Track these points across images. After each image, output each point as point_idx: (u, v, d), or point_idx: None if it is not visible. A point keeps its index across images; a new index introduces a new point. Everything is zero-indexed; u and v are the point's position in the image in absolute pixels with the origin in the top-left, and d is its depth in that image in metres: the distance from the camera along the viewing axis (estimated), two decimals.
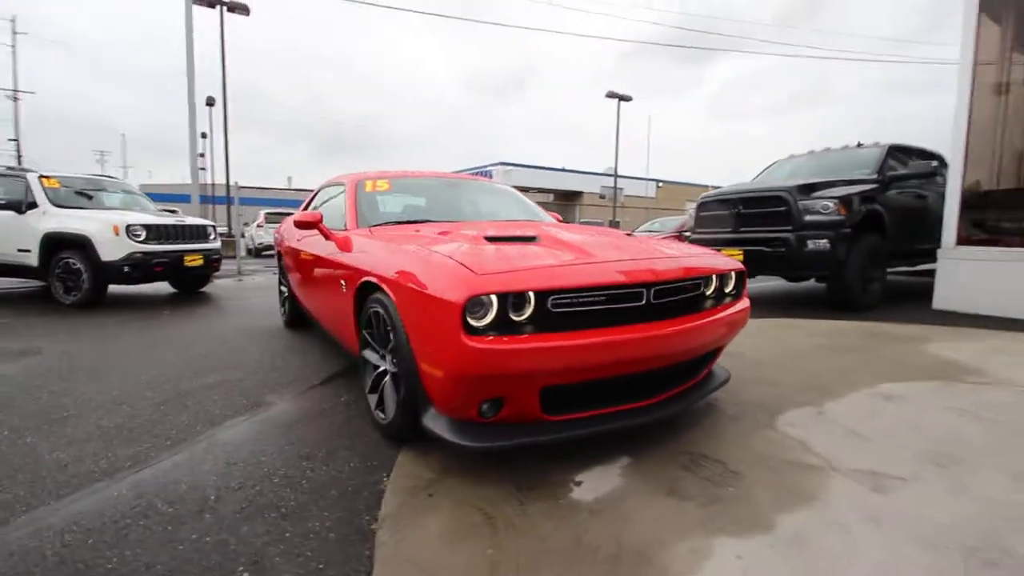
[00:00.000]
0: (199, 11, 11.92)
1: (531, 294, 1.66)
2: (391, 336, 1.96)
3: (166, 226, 5.56)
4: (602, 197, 25.77)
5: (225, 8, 13.44)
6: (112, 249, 5.09)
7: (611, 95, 21.71)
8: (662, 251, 2.16)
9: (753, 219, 5.14)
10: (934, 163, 5.51)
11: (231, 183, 9.69)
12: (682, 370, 2.10)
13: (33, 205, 5.37)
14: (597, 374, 1.77)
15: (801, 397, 2.57)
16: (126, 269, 5.15)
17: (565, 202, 30.97)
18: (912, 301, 5.58)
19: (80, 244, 5.09)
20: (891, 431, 2.17)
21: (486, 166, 30.28)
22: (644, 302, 1.87)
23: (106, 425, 2.25)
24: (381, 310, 2.03)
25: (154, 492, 1.70)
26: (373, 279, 2.07)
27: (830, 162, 6.08)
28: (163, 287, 6.82)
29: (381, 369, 2.19)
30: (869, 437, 2.11)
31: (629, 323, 1.81)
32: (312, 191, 4.10)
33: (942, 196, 5.80)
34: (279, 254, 4.46)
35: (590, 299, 1.76)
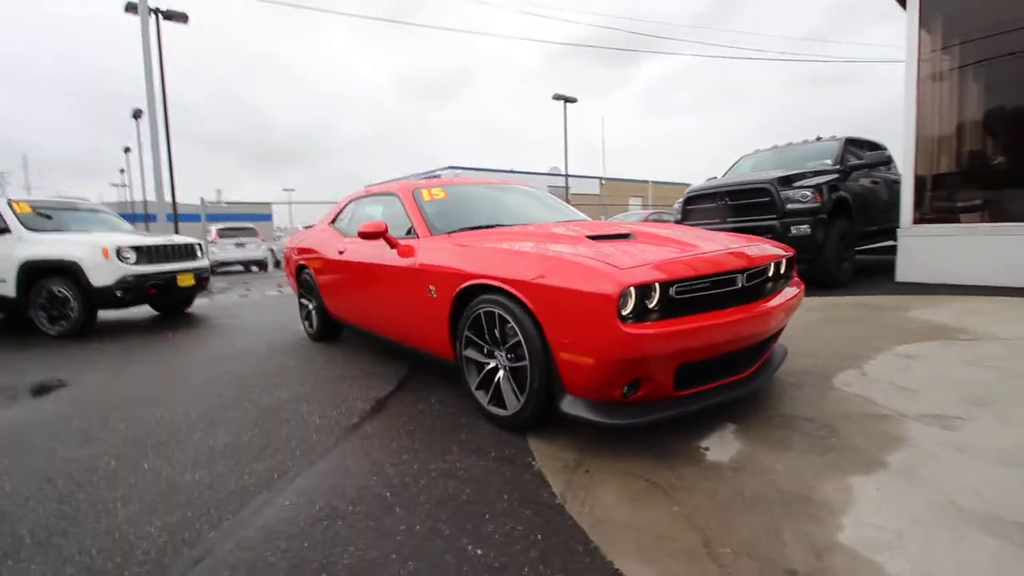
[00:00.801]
0: (119, 15, 11.22)
1: (658, 285, 1.87)
2: (515, 333, 2.10)
3: (156, 247, 5.30)
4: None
5: (161, 16, 12.69)
6: (103, 273, 4.81)
7: (557, 97, 22.28)
8: (739, 240, 2.44)
9: (740, 210, 5.60)
10: (882, 153, 6.21)
11: (202, 199, 9.20)
12: (762, 346, 2.38)
13: (4, 231, 4.97)
14: (718, 351, 2.01)
15: (839, 363, 2.93)
16: (119, 293, 4.89)
17: None
18: (876, 276, 6.26)
19: (66, 270, 4.78)
20: (926, 383, 2.55)
21: (435, 170, 30.14)
22: (740, 286, 2.13)
23: (216, 444, 2.24)
24: (499, 310, 2.16)
25: (326, 496, 1.76)
26: (487, 281, 2.20)
27: (794, 155, 6.69)
28: (139, 311, 6.44)
29: (491, 366, 2.33)
30: (914, 389, 2.48)
31: (732, 305, 2.06)
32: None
33: (890, 182, 6.56)
34: (299, 268, 4.42)
35: (702, 286, 1.99)
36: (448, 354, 2.62)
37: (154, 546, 1.52)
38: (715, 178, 7.23)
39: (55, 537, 1.59)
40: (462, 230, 2.87)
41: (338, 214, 4.05)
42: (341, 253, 3.58)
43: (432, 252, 2.65)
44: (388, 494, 1.76)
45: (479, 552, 1.43)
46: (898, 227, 6.67)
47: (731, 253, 2.17)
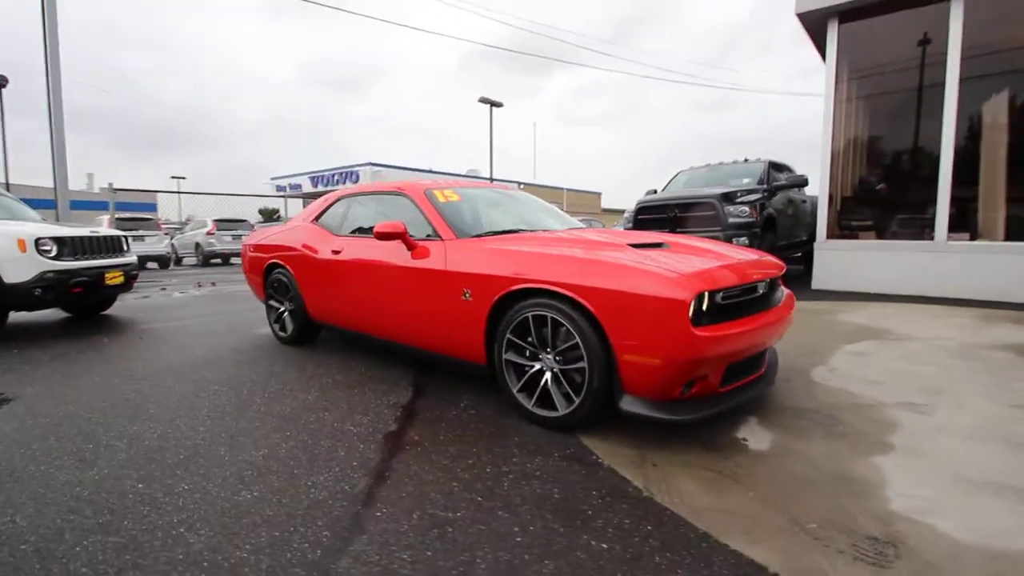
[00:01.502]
0: None
1: (718, 291, 2.07)
2: (570, 336, 2.20)
3: (80, 239, 4.65)
4: None
5: None
6: (19, 269, 4.14)
7: (484, 101, 22.43)
8: (748, 252, 2.73)
9: (687, 221, 6.11)
10: (801, 176, 7.08)
11: (110, 185, 8.05)
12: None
13: None
14: (753, 351, 2.26)
15: (808, 360, 3.36)
16: (37, 292, 4.23)
17: None
18: (792, 284, 7.11)
19: None
20: (884, 376, 3.02)
21: (352, 166, 28.92)
22: (760, 293, 2.40)
23: (254, 459, 2.09)
24: (551, 313, 2.25)
25: (418, 506, 1.74)
26: (541, 286, 2.26)
27: (724, 173, 7.41)
28: (37, 314, 5.57)
29: (536, 369, 2.40)
30: (879, 382, 2.93)
31: (757, 311, 2.32)
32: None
33: (799, 201, 7.49)
34: (268, 268, 4.13)
35: (739, 292, 2.23)
36: (477, 358, 2.64)
37: (258, 571, 1.42)
38: (655, 191, 7.80)
39: (127, 573, 1.42)
40: (489, 234, 2.90)
41: (323, 211, 3.85)
42: (336, 253, 3.42)
43: (464, 255, 2.66)
44: (479, 498, 1.78)
45: (604, 546, 1.52)
46: (803, 241, 7.61)
47: (754, 264, 2.44)
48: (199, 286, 8.81)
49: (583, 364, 2.19)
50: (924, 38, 5.85)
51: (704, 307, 2.03)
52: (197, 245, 14.70)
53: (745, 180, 7.02)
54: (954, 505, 1.69)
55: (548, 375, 2.36)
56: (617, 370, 2.11)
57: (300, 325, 3.90)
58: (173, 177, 41.73)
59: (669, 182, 7.92)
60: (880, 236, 6.40)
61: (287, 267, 3.89)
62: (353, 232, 3.52)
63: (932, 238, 5.74)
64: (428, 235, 2.98)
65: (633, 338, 2.04)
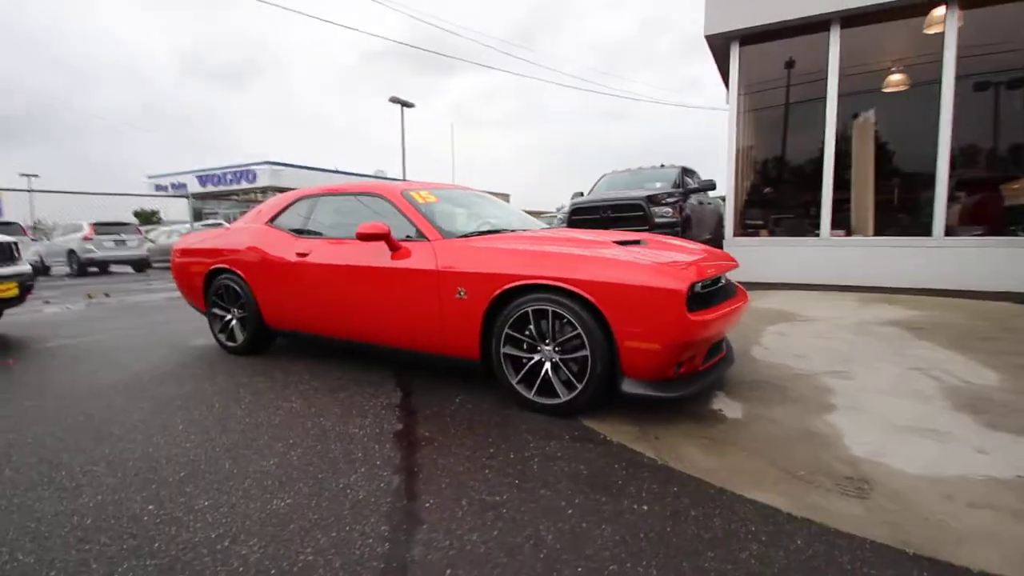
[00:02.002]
0: None
1: (697, 282, 2.36)
2: (572, 327, 2.37)
3: None
4: None
5: None
6: None
7: (395, 100, 21.94)
8: (710, 249, 3.08)
9: (619, 221, 6.56)
10: (710, 180, 7.88)
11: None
12: None
13: None
14: (722, 335, 2.58)
15: (744, 341, 3.83)
16: None
17: None
18: None
19: None
20: (807, 351, 3.55)
21: (249, 165, 26.90)
22: (722, 284, 2.75)
23: (266, 468, 2.01)
24: (552, 307, 2.40)
25: (464, 495, 1.81)
26: (542, 281, 2.41)
27: (643, 177, 8.03)
28: None
29: (536, 360, 2.54)
30: (805, 355, 3.44)
31: (723, 300, 2.66)
32: None
33: (708, 204, 8.32)
34: (211, 274, 3.84)
35: (711, 283, 2.55)
36: (471, 354, 2.73)
37: (333, 570, 1.43)
38: (582, 193, 8.24)
39: None
40: (474, 234, 2.98)
41: (280, 212, 3.67)
42: (303, 255, 3.30)
43: (456, 255, 2.73)
44: (517, 481, 1.89)
45: (645, 508, 1.70)
46: (707, 240, 8.45)
47: (719, 257, 2.78)
48: (89, 297, 7.80)
49: (585, 353, 2.37)
50: (790, 62, 6.81)
51: (692, 296, 2.31)
52: (71, 252, 12.86)
53: (658, 184, 7.68)
54: (897, 447, 2.10)
55: (548, 365, 2.52)
56: (618, 356, 2.32)
57: (253, 333, 3.68)
58: (23, 175, 35.92)
59: (595, 184, 8.41)
60: (775, 234, 7.34)
61: (237, 272, 3.66)
62: (321, 234, 3.41)
63: (819, 235, 6.70)
64: (408, 236, 3.00)
65: (635, 326, 2.26)
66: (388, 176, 36.40)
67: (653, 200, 6.58)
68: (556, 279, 2.40)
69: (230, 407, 2.72)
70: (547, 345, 2.51)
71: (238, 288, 3.68)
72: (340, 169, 31.36)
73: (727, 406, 2.59)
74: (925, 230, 6.14)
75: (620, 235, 3.12)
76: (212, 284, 3.88)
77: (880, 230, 6.54)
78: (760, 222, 7.58)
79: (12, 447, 2.26)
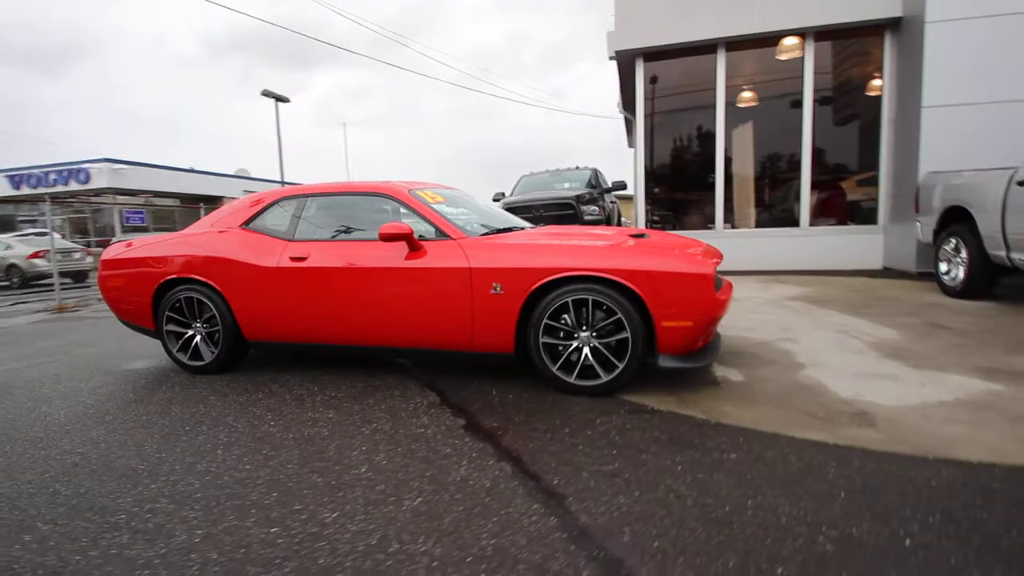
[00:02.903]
0: None
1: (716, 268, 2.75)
2: (611, 313, 2.62)
3: None
4: None
5: None
6: None
7: (268, 95, 20.14)
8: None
9: (551, 220, 6.95)
10: (622, 181, 8.64)
11: None
12: None
13: None
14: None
15: None
16: None
17: (200, 206, 26.55)
18: None
19: None
20: (752, 325, 4.20)
21: (80, 163, 22.72)
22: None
23: (361, 476, 1.96)
24: (592, 296, 2.63)
25: (582, 464, 1.96)
26: (583, 273, 2.62)
27: (561, 177, 8.56)
28: None
29: (574, 347, 2.74)
30: (756, 328, 4.08)
31: (722, 285, 3.10)
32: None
33: (612, 202, 9.11)
34: (163, 287, 3.41)
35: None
36: (505, 347, 2.85)
37: (530, 563, 1.51)
38: (503, 194, 8.53)
39: None
40: (494, 232, 3.08)
41: (256, 215, 3.37)
42: (299, 260, 3.10)
43: (488, 252, 2.82)
44: (614, 452, 2.09)
45: (733, 455, 2.01)
46: None
47: (713, 249, 3.23)
48: None
49: (625, 335, 2.63)
50: (689, 76, 7.84)
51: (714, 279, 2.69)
52: None
53: (569, 184, 8.26)
54: (868, 389, 2.68)
55: (587, 350, 2.73)
56: (655, 335, 2.62)
57: (230, 349, 3.35)
58: None
59: (516, 185, 8.74)
60: (676, 228, 8.31)
61: (208, 282, 3.29)
62: (316, 237, 3.22)
63: (713, 228, 7.75)
64: (421, 235, 3.00)
65: (671, 307, 2.57)
66: (254, 177, 33.32)
67: (580, 199, 7.08)
68: (598, 270, 2.62)
69: (258, 425, 2.51)
70: (584, 332, 2.72)
71: (206, 300, 3.32)
72: (195, 168, 27.89)
73: (727, 373, 3.03)
74: (794, 222, 7.45)
75: (628, 229, 3.43)
76: (164, 298, 3.43)
77: (760, 223, 7.77)
78: (665, 217, 8.51)
79: (7, 501, 1.89)
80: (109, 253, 3.66)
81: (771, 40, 7.21)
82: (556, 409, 2.58)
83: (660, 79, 7.90)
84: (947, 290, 4.97)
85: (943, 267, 5.04)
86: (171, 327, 3.47)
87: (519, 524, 1.61)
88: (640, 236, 3.11)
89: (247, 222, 3.39)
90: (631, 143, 15.74)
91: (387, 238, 2.83)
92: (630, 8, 7.35)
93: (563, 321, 2.73)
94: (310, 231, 3.27)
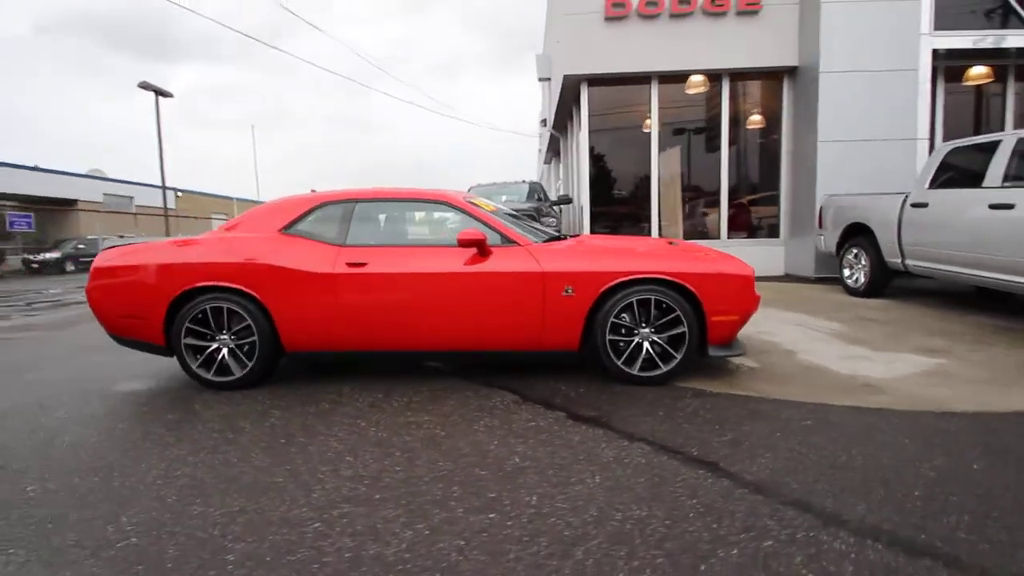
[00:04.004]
0: None
1: None
2: (669, 310, 2.99)
3: None
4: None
5: None
6: None
7: (146, 87, 17.85)
8: None
9: None
10: (567, 195, 9.19)
11: None
12: None
13: None
14: None
15: None
16: None
17: (54, 209, 22.68)
18: None
19: None
20: None
21: None
22: None
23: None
24: (656, 296, 2.98)
25: (702, 439, 2.27)
26: (650, 275, 2.96)
27: (508, 190, 8.90)
28: None
29: (636, 341, 3.06)
30: None
31: None
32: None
33: (554, 213, 9.67)
34: (181, 297, 3.12)
35: None
36: (571, 345, 3.09)
37: (749, 513, 1.78)
38: None
39: None
40: (550, 239, 3.30)
41: (297, 219, 3.22)
42: (357, 265, 3.05)
43: (559, 257, 3.05)
44: (716, 427, 2.43)
45: (808, 423, 2.46)
46: None
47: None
48: None
49: (683, 329, 3.01)
50: (625, 101, 8.70)
51: None
52: None
53: (505, 198, 8.67)
54: (858, 367, 3.34)
55: (647, 344, 3.07)
56: (706, 329, 3.03)
57: (265, 362, 3.16)
58: None
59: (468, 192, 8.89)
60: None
61: (243, 290, 3.08)
62: (371, 243, 3.19)
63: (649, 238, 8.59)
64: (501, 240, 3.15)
65: (721, 304, 3.01)
66: (110, 178, 29.25)
67: (539, 211, 7.47)
68: (662, 272, 2.98)
69: (364, 434, 2.47)
70: (645, 328, 3.06)
71: (239, 309, 3.11)
72: (41, 166, 23.69)
73: (743, 361, 3.55)
74: (716, 235, 8.54)
75: (661, 239, 3.83)
76: (183, 309, 3.14)
77: (687, 235, 8.78)
78: (606, 228, 9.20)
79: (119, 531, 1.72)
80: (104, 261, 3.23)
81: (697, 76, 8.25)
82: (632, 397, 2.87)
83: (602, 102, 8.62)
84: (850, 291, 6.12)
85: (847, 272, 6.20)
86: (188, 341, 3.17)
87: (702, 486, 1.88)
88: (671, 244, 3.54)
89: (287, 227, 3.23)
90: (548, 159, 16.64)
91: (465, 244, 2.94)
92: (578, 39, 7.96)
93: (623, 319, 3.05)
94: (362, 237, 3.22)
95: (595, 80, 8.31)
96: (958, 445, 2.16)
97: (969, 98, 8.32)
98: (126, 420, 2.75)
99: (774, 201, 8.52)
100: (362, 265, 3.08)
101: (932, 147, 7.38)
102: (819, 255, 7.26)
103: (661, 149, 8.49)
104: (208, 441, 2.42)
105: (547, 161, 16.79)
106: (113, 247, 3.35)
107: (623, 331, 3.07)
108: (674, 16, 7.77)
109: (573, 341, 3.08)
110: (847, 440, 2.24)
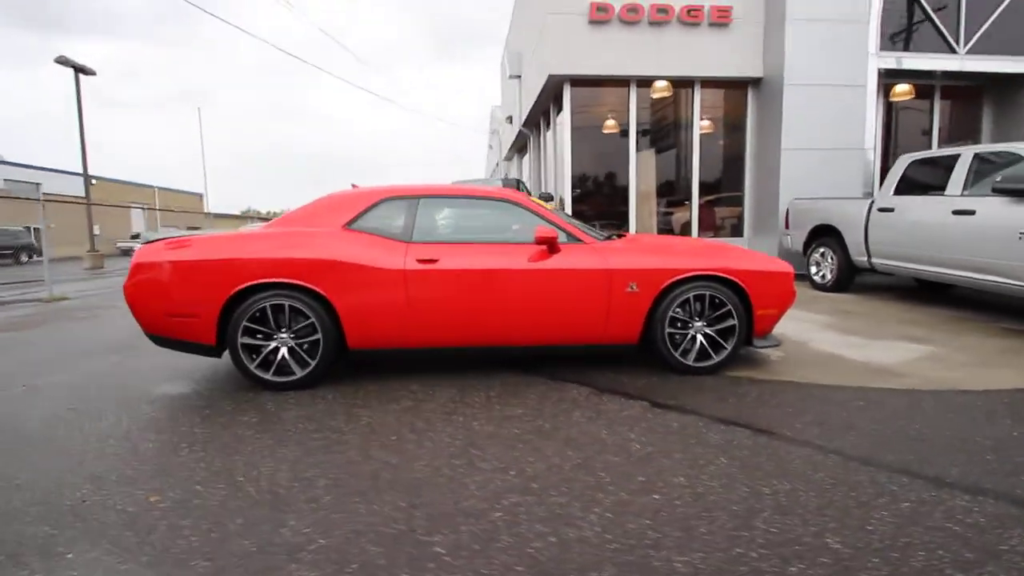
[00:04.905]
0: None
1: None
2: (722, 304, 3.24)
3: None
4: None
5: None
6: None
7: (63, 62, 15.97)
8: None
9: None
10: (549, 192, 9.35)
11: None
12: None
13: None
14: None
15: None
16: None
17: None
18: None
19: None
20: None
21: None
22: None
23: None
24: (709, 292, 3.23)
25: (783, 421, 2.52)
26: (707, 272, 3.20)
27: (492, 185, 8.93)
28: None
29: (691, 334, 3.30)
30: None
31: None
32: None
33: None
34: (239, 294, 2.99)
35: None
36: (632, 338, 3.28)
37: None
38: None
39: None
40: (607, 238, 3.45)
41: (361, 214, 3.15)
42: (429, 262, 3.05)
43: (624, 255, 3.22)
44: (789, 409, 2.70)
45: (860, 403, 2.79)
46: None
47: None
48: None
49: (733, 322, 3.28)
50: (605, 103, 9.01)
51: None
52: None
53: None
54: (865, 354, 3.76)
55: (700, 337, 3.31)
56: (753, 322, 3.32)
57: (327, 360, 3.09)
58: None
59: None
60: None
61: (308, 286, 3.00)
62: (439, 239, 3.19)
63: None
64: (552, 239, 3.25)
65: (766, 299, 3.31)
66: (9, 161, 26.08)
67: None
68: (718, 269, 3.23)
69: (463, 429, 2.51)
70: (698, 321, 3.30)
71: (302, 306, 3.02)
72: None
73: (771, 352, 3.89)
74: (688, 232, 9.06)
75: (698, 239, 4.07)
76: (240, 308, 3.00)
77: (660, 233, 9.25)
78: (582, 219, 9.48)
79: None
80: (148, 256, 3.01)
81: (670, 82, 8.69)
82: (695, 386, 3.10)
83: (580, 102, 8.87)
84: (817, 286, 6.76)
85: (814, 269, 6.84)
86: (244, 340, 3.03)
87: (819, 462, 2.12)
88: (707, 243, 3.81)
89: (351, 222, 3.16)
90: (509, 155, 16.74)
91: (541, 242, 3.04)
92: (564, 40, 8.13)
93: (678, 313, 3.27)
94: (428, 233, 3.21)
95: (578, 81, 8.53)
96: (991, 417, 2.56)
97: (906, 113, 9.36)
98: (198, 424, 2.61)
99: (738, 202, 9.16)
100: (433, 261, 3.09)
101: (887, 158, 8.30)
102: (783, 253, 7.91)
103: (638, 150, 8.87)
104: (313, 442, 2.37)
105: (507, 158, 16.90)
106: (151, 241, 3.12)
107: (678, 324, 3.29)
108: (653, 24, 8.14)
109: (634, 335, 3.27)
110: (904, 416, 2.58)
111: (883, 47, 8.02)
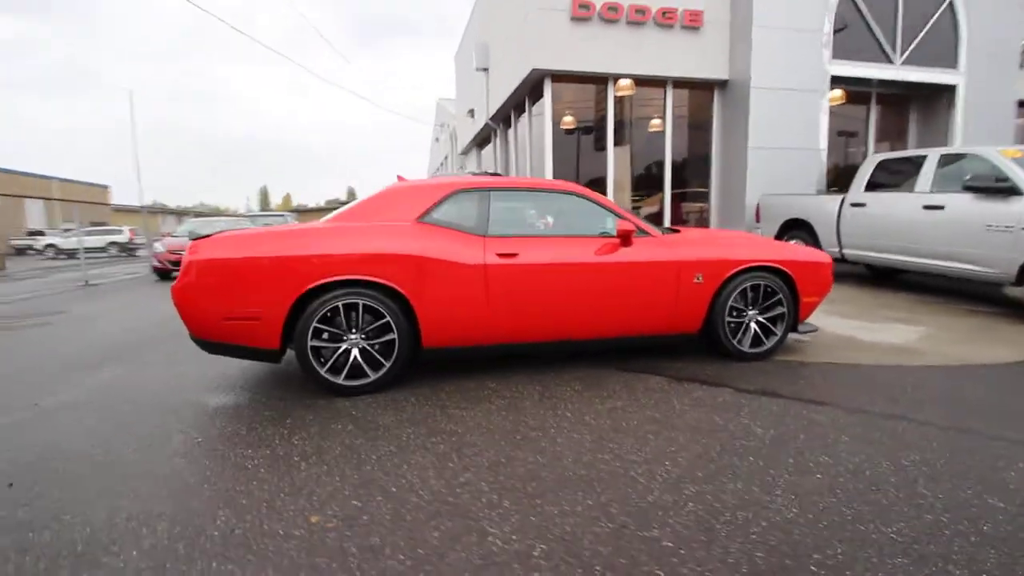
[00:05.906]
0: None
1: None
2: (773, 294, 3.45)
3: None
4: None
5: None
6: None
7: None
8: None
9: None
10: None
11: None
12: None
13: None
14: None
15: None
16: None
17: None
18: None
19: None
20: None
21: None
22: None
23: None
24: (764, 282, 3.42)
25: (851, 405, 2.74)
26: (763, 263, 3.38)
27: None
28: None
29: (746, 322, 3.47)
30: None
31: None
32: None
33: None
34: (309, 294, 2.78)
35: None
36: (695, 328, 3.41)
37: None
38: None
39: None
40: (666, 231, 3.53)
41: (434, 206, 3.01)
42: (508, 256, 2.99)
43: (687, 247, 3.32)
44: (852, 389, 2.93)
45: (889, 375, 3.09)
46: None
47: None
48: None
49: (782, 310, 3.50)
50: (584, 98, 9.16)
51: None
52: None
53: None
54: (873, 336, 4.14)
55: (754, 325, 3.49)
56: (799, 309, 3.55)
57: (402, 362, 2.95)
58: None
59: None
60: None
61: (385, 283, 2.83)
62: (514, 233, 3.12)
63: None
64: (604, 232, 3.29)
65: (811, 287, 3.55)
66: None
67: None
68: (772, 261, 3.42)
69: (580, 424, 2.50)
70: (752, 310, 3.48)
71: (377, 305, 2.86)
72: None
73: (796, 338, 4.17)
74: (660, 223, 9.44)
75: (740, 231, 4.25)
76: (309, 307, 2.79)
77: None
78: None
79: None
80: (202, 254, 2.70)
81: (646, 81, 8.99)
82: (759, 371, 3.28)
83: (563, 97, 8.95)
84: None
85: None
86: (314, 343, 2.82)
87: (914, 431, 2.33)
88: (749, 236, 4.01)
89: (424, 215, 3.02)
90: (467, 149, 16.50)
91: (623, 235, 3.08)
92: (546, 35, 8.15)
93: (735, 302, 3.43)
94: (502, 226, 3.13)
95: (558, 76, 8.60)
96: (1015, 387, 2.93)
97: (841, 118, 10.28)
98: (292, 437, 2.40)
99: (704, 197, 9.68)
100: (513, 256, 3.03)
101: (828, 158, 9.05)
102: None
103: (616, 144, 9.11)
104: (436, 446, 2.26)
105: (465, 151, 16.66)
106: (200, 237, 2.80)
107: (734, 313, 3.45)
108: (631, 23, 8.38)
109: (696, 324, 3.39)
110: (948, 388, 2.90)
111: (835, 55, 8.77)
